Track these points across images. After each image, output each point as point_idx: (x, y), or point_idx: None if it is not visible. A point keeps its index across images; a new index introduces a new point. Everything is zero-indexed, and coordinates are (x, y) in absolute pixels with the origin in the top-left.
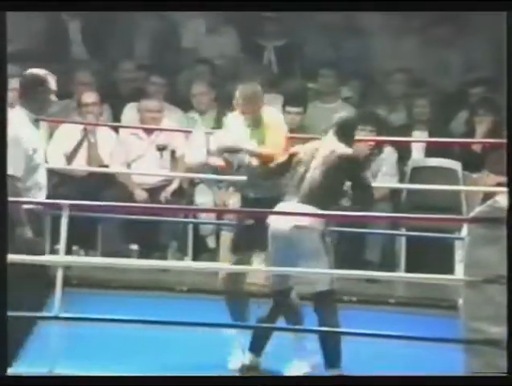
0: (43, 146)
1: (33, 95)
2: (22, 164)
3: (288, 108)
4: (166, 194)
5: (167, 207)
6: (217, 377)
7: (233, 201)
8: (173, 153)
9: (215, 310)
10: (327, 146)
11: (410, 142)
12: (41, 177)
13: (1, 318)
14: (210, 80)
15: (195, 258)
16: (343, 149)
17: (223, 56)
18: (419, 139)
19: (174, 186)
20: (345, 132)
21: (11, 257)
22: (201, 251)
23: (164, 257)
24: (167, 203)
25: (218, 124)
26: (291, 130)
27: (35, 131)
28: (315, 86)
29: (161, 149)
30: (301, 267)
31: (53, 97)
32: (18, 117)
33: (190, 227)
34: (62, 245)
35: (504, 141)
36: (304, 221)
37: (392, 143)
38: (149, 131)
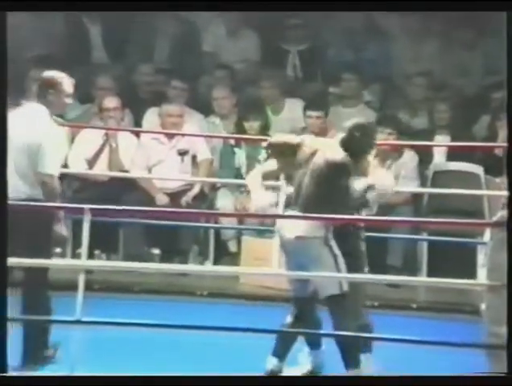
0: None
1: (46, 97)
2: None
3: (309, 113)
4: (187, 198)
5: (188, 211)
6: (218, 377)
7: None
8: (194, 157)
9: (235, 314)
10: (324, 152)
11: (431, 146)
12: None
13: (1, 318)
14: (231, 84)
15: (216, 262)
16: (333, 155)
17: (244, 60)
18: (439, 143)
19: (195, 190)
20: (356, 140)
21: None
22: (222, 255)
23: (185, 261)
24: (188, 207)
25: (238, 128)
26: (313, 134)
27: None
28: (337, 90)
29: (182, 153)
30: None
31: (68, 100)
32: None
33: (211, 231)
34: (84, 250)
35: None
36: (304, 231)
37: (413, 147)
38: (170, 136)
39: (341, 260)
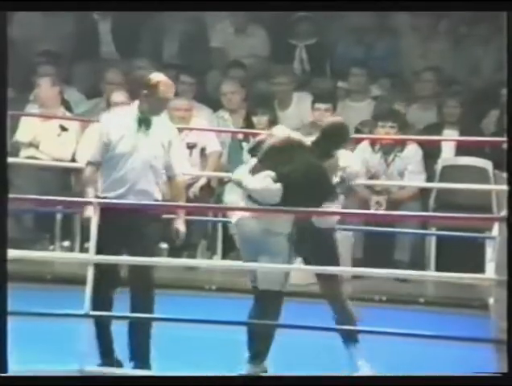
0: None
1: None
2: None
3: (317, 105)
4: (194, 189)
5: (196, 205)
6: (218, 377)
7: None
8: (203, 150)
9: (244, 308)
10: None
11: (439, 141)
12: None
13: (1, 317)
14: (240, 79)
15: (224, 257)
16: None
17: (252, 55)
18: (442, 138)
19: (201, 181)
20: (328, 140)
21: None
22: (230, 250)
23: (193, 256)
24: (195, 198)
25: (247, 123)
26: (320, 128)
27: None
28: (345, 85)
29: (190, 147)
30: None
31: (163, 104)
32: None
33: (219, 225)
34: (92, 243)
35: None
36: (271, 225)
37: (420, 142)
38: (178, 129)
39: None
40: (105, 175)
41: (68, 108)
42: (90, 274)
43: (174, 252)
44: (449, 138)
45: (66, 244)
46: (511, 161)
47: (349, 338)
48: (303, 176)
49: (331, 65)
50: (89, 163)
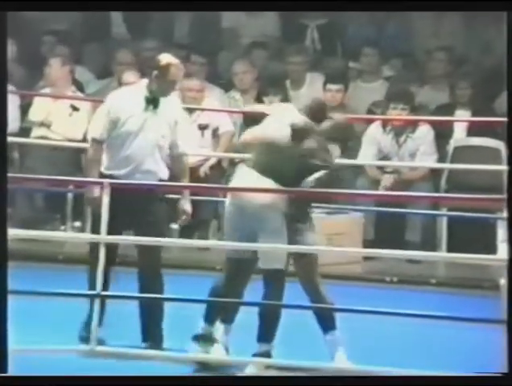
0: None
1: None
2: None
3: (329, 86)
4: (204, 168)
5: (206, 186)
6: (219, 377)
7: None
8: (215, 131)
9: (255, 289)
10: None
11: (451, 121)
12: None
13: (1, 317)
14: (252, 58)
15: None
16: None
17: (264, 36)
18: (454, 118)
19: (212, 160)
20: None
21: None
22: None
23: (205, 236)
24: (205, 178)
25: (259, 103)
26: (332, 108)
27: None
28: (357, 65)
29: (202, 128)
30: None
31: (172, 86)
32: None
33: None
34: (104, 224)
35: None
36: (269, 201)
37: (431, 122)
38: (190, 110)
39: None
40: (110, 153)
41: (80, 88)
42: (102, 254)
43: (185, 232)
44: (460, 119)
45: (77, 224)
46: (511, 161)
47: (326, 325)
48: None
49: (342, 45)
50: (94, 141)
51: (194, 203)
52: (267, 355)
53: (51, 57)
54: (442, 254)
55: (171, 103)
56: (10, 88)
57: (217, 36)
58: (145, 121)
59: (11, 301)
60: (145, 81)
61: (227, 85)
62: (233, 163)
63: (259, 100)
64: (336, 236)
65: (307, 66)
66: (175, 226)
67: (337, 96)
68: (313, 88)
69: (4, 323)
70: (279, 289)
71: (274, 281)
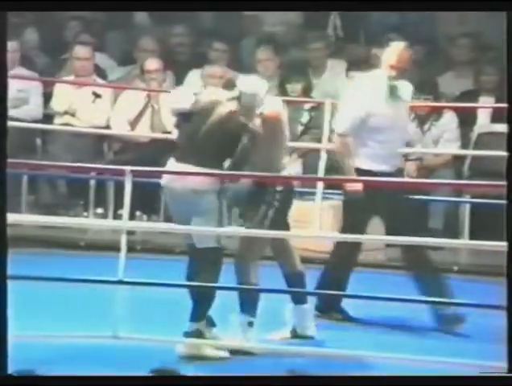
0: None
1: None
2: None
3: (352, 73)
4: None
5: (226, 173)
6: (219, 377)
7: (295, 167)
8: None
9: (274, 276)
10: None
11: (474, 108)
12: None
13: (1, 317)
14: (275, 46)
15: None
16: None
17: (286, 22)
18: (477, 105)
19: None
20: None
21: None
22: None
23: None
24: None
25: (281, 90)
26: None
27: None
28: (380, 52)
29: None
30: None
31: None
32: None
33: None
34: (125, 211)
35: None
36: (199, 184)
37: (454, 109)
38: None
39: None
40: (362, 147)
41: (102, 75)
42: (124, 241)
43: None
44: (483, 105)
45: (99, 210)
46: (511, 160)
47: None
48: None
49: (365, 32)
50: (341, 135)
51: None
52: (198, 333)
53: (75, 44)
54: (464, 241)
55: (407, 92)
56: (33, 74)
57: (240, 23)
58: (391, 112)
59: (35, 287)
60: (381, 71)
61: (249, 72)
62: None
63: (282, 87)
64: None
65: (328, 52)
66: None
67: None
68: (335, 74)
69: (4, 323)
70: (214, 267)
71: (209, 259)
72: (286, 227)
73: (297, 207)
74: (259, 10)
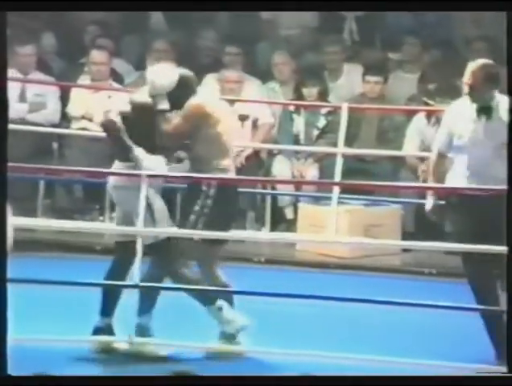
0: None
1: None
2: None
3: (368, 78)
4: (240, 159)
5: (244, 178)
6: (220, 377)
7: (311, 172)
8: (255, 122)
9: (291, 280)
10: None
11: None
12: None
13: (1, 316)
14: (291, 50)
15: (272, 229)
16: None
17: (302, 26)
18: None
19: (248, 151)
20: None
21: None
22: (279, 222)
23: (242, 228)
24: (241, 168)
25: (297, 95)
26: (371, 100)
27: None
28: (397, 55)
29: (243, 119)
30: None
31: None
32: None
33: (268, 198)
34: (141, 215)
35: None
36: (118, 180)
37: None
38: (230, 101)
39: (159, 211)
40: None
41: (119, 79)
42: (139, 246)
43: None
44: None
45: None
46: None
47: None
48: None
49: (381, 36)
50: (440, 155)
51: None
52: (142, 327)
53: (91, 49)
54: (482, 247)
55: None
56: (50, 79)
57: (256, 26)
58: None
59: (49, 291)
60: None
61: (265, 76)
62: (272, 154)
63: (298, 91)
64: (373, 227)
65: (344, 56)
66: None
67: (376, 87)
68: (351, 79)
69: (4, 323)
70: (160, 262)
71: (154, 254)
72: (225, 227)
73: (313, 212)
74: (264, 10)
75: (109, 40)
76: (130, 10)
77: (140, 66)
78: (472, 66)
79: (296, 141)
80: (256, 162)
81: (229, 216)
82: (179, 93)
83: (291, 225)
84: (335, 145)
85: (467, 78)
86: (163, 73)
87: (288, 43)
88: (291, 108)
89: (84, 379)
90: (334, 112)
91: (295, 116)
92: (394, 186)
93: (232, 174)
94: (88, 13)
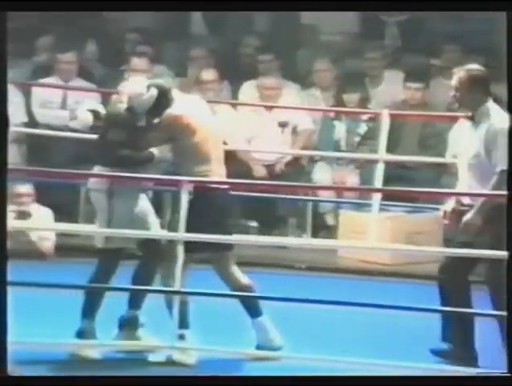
0: None
1: None
2: None
3: (408, 84)
4: (280, 165)
5: (285, 184)
6: (220, 377)
7: (352, 178)
8: (294, 128)
9: (333, 287)
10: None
11: None
12: None
13: (1, 316)
14: (332, 56)
15: (313, 235)
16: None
17: (343, 32)
18: None
19: (288, 157)
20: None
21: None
22: (320, 228)
23: (283, 234)
24: (281, 174)
25: (338, 101)
26: (412, 107)
27: None
28: (438, 62)
29: (282, 125)
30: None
31: None
32: None
33: (309, 204)
34: (182, 221)
35: None
36: (91, 184)
37: None
38: (270, 108)
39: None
40: None
41: None
42: (180, 252)
43: (263, 230)
44: None
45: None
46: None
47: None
48: None
49: (423, 42)
50: None
51: (274, 202)
52: (132, 319)
53: (132, 56)
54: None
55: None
56: (90, 86)
57: (297, 33)
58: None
59: (70, 295)
60: None
61: (305, 82)
62: (313, 160)
63: (339, 97)
64: (415, 234)
65: (385, 63)
66: (253, 223)
67: (417, 94)
68: (392, 85)
69: (4, 323)
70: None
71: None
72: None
73: (354, 218)
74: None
75: (150, 47)
76: (129, 10)
77: (181, 72)
78: (457, 71)
79: (337, 148)
80: (296, 169)
81: (209, 220)
82: (157, 106)
83: (332, 232)
84: (376, 151)
85: (452, 83)
86: (141, 91)
87: (329, 49)
88: (332, 114)
89: (84, 379)
90: (375, 118)
91: (335, 122)
92: (435, 192)
93: (218, 178)
94: (128, 19)
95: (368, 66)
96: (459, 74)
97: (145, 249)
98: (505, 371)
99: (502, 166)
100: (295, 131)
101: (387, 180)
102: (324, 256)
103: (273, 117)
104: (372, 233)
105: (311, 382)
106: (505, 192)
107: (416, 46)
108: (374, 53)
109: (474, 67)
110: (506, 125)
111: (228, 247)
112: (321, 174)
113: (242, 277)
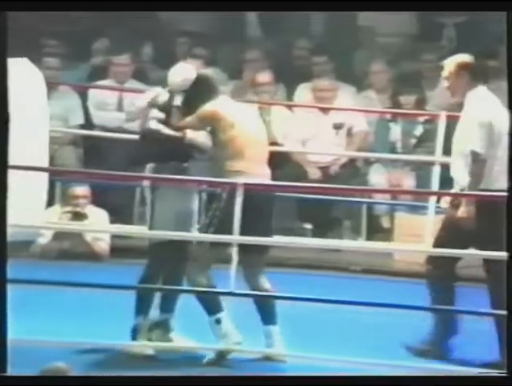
0: None
1: None
2: None
3: None
4: (335, 167)
5: (341, 187)
6: (221, 377)
7: (408, 181)
8: (349, 130)
9: (389, 290)
10: None
11: None
12: None
13: (1, 317)
14: (388, 57)
15: (368, 238)
16: None
17: (400, 34)
18: None
19: (343, 159)
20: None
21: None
22: (375, 231)
23: (338, 237)
24: (336, 176)
25: (394, 103)
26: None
27: None
28: (496, 64)
29: (337, 127)
30: None
31: None
32: None
33: (364, 206)
34: (236, 224)
35: None
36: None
37: None
38: (325, 109)
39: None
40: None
41: None
42: (235, 254)
43: (318, 232)
44: None
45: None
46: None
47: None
48: None
49: (480, 43)
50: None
51: (328, 204)
52: (164, 323)
53: (186, 58)
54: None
55: None
56: (146, 88)
57: (353, 34)
58: None
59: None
60: None
61: (361, 84)
62: (368, 162)
63: (395, 99)
64: None
65: (439, 65)
66: (308, 226)
67: None
68: None
69: (4, 323)
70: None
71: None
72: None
73: (410, 221)
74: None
75: (205, 49)
76: (123, 10)
77: (235, 75)
78: (448, 60)
79: (393, 150)
80: (351, 171)
81: (251, 222)
82: (195, 92)
83: (387, 234)
84: (432, 153)
85: (443, 75)
86: (181, 71)
87: (385, 50)
88: (388, 116)
89: (84, 379)
90: (432, 120)
91: (391, 124)
92: (493, 196)
93: (250, 178)
94: (183, 22)
95: (424, 68)
96: (448, 64)
97: (174, 250)
98: (505, 372)
99: (473, 147)
100: (350, 133)
101: (443, 182)
102: (380, 259)
103: (328, 119)
104: (428, 236)
105: (311, 382)
106: (505, 193)
107: (473, 48)
108: (431, 55)
109: (462, 56)
110: (484, 112)
111: (263, 250)
112: (377, 177)
113: (266, 282)
